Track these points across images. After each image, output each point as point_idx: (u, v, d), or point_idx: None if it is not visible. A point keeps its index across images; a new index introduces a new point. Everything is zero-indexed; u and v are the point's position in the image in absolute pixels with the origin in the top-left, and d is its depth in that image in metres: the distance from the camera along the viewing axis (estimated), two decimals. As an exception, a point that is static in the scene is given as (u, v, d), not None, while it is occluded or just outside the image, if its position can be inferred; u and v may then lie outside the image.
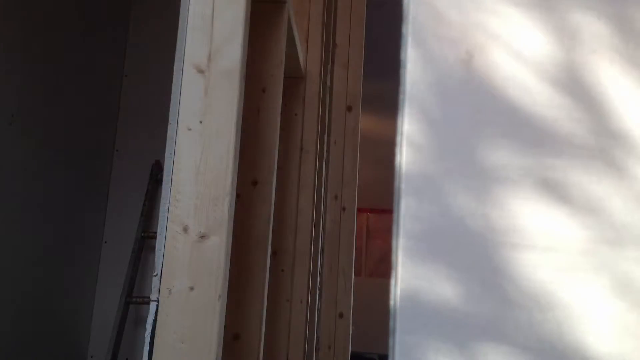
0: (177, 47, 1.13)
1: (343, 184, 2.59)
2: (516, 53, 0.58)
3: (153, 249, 3.07)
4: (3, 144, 2.52)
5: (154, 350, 1.00)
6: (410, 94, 0.57)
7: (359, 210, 2.75)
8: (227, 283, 1.05)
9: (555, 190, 0.56)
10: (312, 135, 1.98)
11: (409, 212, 0.56)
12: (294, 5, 1.81)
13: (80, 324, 3.13)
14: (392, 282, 0.55)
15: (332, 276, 2.50)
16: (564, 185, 0.56)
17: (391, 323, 0.55)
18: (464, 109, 0.57)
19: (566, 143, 0.56)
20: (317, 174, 2.01)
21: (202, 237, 1.03)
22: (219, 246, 1.03)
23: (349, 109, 2.64)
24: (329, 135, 2.53)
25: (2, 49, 2.51)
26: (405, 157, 0.57)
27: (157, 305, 1.02)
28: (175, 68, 1.13)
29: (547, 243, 0.55)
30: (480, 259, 0.55)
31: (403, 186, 0.56)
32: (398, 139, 0.57)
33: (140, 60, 3.48)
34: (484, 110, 0.57)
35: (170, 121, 1.11)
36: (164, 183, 1.11)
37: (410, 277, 0.55)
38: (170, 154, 1.09)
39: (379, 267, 6.41)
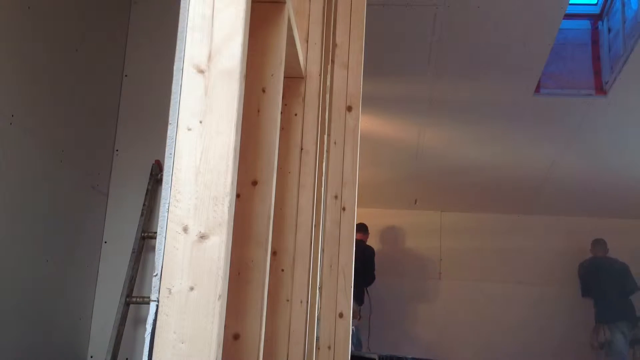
0: (177, 47, 1.13)
1: (343, 184, 2.59)
2: None
3: (153, 249, 3.07)
4: (3, 144, 2.52)
5: (154, 350, 1.00)
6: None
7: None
8: (227, 283, 1.05)
9: None
10: (312, 135, 1.97)
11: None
12: (294, 5, 1.81)
13: (80, 324, 3.13)
14: None
15: (332, 276, 2.50)
16: None
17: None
18: None
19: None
20: (317, 174, 2.01)
21: (202, 237, 1.03)
22: (219, 246, 1.03)
23: (349, 109, 2.64)
24: (329, 135, 2.53)
25: (3, 49, 2.51)
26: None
27: (157, 305, 1.02)
28: (175, 68, 1.13)
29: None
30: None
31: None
32: None
33: (140, 60, 3.48)
34: None
35: (170, 121, 1.11)
36: (164, 183, 1.11)
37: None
38: (170, 154, 1.09)
39: (379, 267, 6.39)
